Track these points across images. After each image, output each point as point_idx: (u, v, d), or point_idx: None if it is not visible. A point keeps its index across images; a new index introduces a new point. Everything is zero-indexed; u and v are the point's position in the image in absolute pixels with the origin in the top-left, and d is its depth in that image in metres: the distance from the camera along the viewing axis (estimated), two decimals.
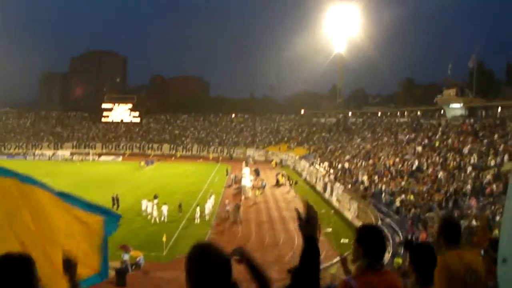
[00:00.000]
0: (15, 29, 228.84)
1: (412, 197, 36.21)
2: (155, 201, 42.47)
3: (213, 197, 45.31)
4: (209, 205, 43.28)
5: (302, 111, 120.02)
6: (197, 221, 40.80)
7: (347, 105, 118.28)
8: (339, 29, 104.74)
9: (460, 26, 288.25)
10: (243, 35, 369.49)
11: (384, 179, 44.84)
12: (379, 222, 33.37)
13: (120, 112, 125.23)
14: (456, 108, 69.38)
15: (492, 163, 37.37)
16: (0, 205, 5.45)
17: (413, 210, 33.46)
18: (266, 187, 59.39)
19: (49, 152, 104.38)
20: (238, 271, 3.41)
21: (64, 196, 6.00)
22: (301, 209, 3.57)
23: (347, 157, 65.49)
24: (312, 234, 3.46)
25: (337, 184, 50.59)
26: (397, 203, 36.52)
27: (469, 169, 38.06)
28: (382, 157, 55.82)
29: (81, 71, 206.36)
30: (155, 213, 40.93)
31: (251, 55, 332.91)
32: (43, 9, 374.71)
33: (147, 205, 42.56)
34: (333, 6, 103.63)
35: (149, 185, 61.11)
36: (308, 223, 3.49)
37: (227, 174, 72.91)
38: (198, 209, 41.62)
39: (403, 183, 41.18)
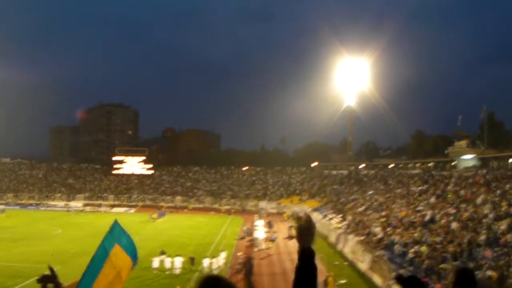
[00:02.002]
0: (27, 83, 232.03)
1: (425, 248, 36.12)
2: (163, 256, 42.24)
3: (223, 253, 44.56)
4: (221, 259, 42.81)
5: (314, 164, 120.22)
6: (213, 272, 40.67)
7: (358, 158, 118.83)
8: (349, 82, 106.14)
9: (468, 78, 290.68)
10: (253, 88, 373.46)
11: (397, 230, 44.76)
12: (393, 274, 33.28)
13: (132, 165, 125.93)
14: (468, 159, 69.54)
15: (506, 213, 37.41)
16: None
17: (426, 261, 33.36)
18: (276, 240, 59.16)
19: (61, 203, 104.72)
20: None
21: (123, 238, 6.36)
22: (299, 219, 3.81)
23: (360, 209, 65.40)
24: (310, 245, 3.64)
25: (350, 236, 50.54)
26: (411, 255, 36.41)
27: (483, 220, 38.07)
28: (395, 209, 55.76)
29: (92, 124, 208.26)
30: (156, 265, 40.84)
31: (262, 108, 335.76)
32: (54, 63, 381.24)
33: (156, 261, 42.15)
34: (343, 60, 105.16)
35: (161, 237, 61.32)
36: (307, 232, 3.72)
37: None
38: (212, 260, 41.47)
39: (416, 234, 41.09)
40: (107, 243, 6.44)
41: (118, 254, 6.55)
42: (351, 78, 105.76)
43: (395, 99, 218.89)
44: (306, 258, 3.59)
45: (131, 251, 6.67)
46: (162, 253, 43.16)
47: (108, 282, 6.28)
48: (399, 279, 4.31)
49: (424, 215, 46.50)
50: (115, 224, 6.62)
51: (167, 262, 40.98)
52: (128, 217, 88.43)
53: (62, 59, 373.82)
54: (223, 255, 43.41)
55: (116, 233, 6.57)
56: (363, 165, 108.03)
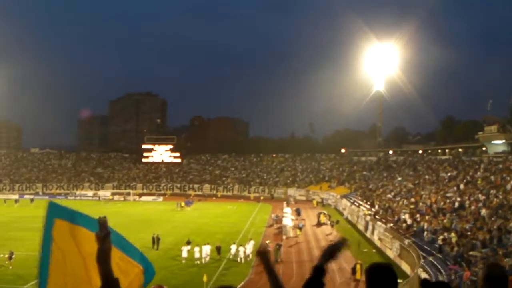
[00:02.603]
0: (55, 73, 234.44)
1: (454, 235, 35.83)
2: (188, 246, 42.08)
3: (252, 242, 44.20)
4: (249, 248, 42.44)
5: (343, 150, 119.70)
6: (242, 261, 40.74)
7: (387, 144, 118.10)
8: (378, 67, 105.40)
9: (498, 62, 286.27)
10: (281, 76, 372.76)
11: (426, 217, 44.47)
12: (421, 261, 33.12)
13: (161, 153, 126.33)
14: (498, 144, 68.73)
15: None
16: (62, 250, 5.55)
17: (455, 248, 33.11)
18: (304, 227, 58.96)
19: (90, 193, 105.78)
20: None
21: (114, 237, 5.70)
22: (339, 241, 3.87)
23: (389, 195, 65.14)
24: (324, 265, 3.74)
25: (379, 223, 50.39)
26: (440, 242, 36.16)
27: None
28: (424, 195, 55.41)
29: (120, 113, 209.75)
30: (185, 255, 40.69)
31: (290, 95, 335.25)
32: (83, 53, 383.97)
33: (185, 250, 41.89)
34: (372, 46, 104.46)
35: (189, 226, 61.71)
36: (332, 252, 3.81)
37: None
38: (241, 249, 41.43)
39: (445, 221, 40.80)
40: (47, 224, 5.74)
41: (62, 229, 5.89)
42: (379, 63, 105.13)
43: (424, 84, 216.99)
44: (318, 275, 3.70)
45: (88, 223, 5.94)
46: (188, 242, 43.15)
47: (66, 264, 5.57)
48: (425, 284, 4.13)
49: (453, 202, 46.18)
50: (50, 205, 5.81)
51: (196, 251, 41.01)
52: (157, 205, 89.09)
53: (91, 50, 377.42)
54: (251, 244, 43.05)
55: (52, 211, 5.82)
56: (392, 151, 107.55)
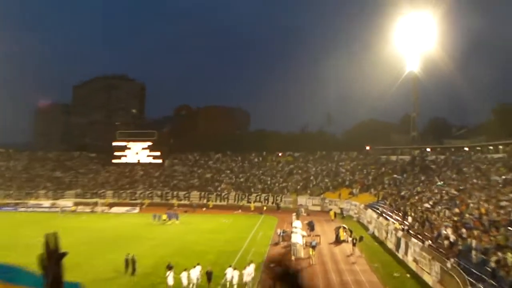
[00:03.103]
0: (6, 52, 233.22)
1: (511, 255, 35.44)
2: (169, 272, 40.99)
3: (252, 266, 43.23)
4: (247, 274, 41.57)
5: (368, 148, 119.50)
6: None
7: (424, 139, 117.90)
8: (411, 43, 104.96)
9: None
10: (291, 55, 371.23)
11: (475, 232, 44.08)
12: None
13: (137, 152, 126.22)
14: None
15: None
16: None
17: None
18: (318, 246, 58.52)
19: (47, 202, 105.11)
20: None
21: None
22: None
23: (426, 204, 64.78)
24: None
25: (414, 240, 49.99)
26: (492, 264, 35.77)
27: None
28: (472, 204, 55.04)
29: (87, 101, 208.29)
30: (170, 282, 39.82)
31: (302, 79, 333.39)
32: (40, 27, 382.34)
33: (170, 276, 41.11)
34: (404, 16, 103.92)
35: (172, 244, 61.37)
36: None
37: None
38: (236, 273, 40.89)
39: (499, 237, 40.43)
40: None
41: None
42: (414, 38, 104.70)
43: (470, 63, 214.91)
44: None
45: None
46: (169, 267, 41.91)
47: None
48: None
49: (509, 212, 45.81)
50: None
51: (183, 276, 40.31)
52: (131, 218, 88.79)
53: (49, 22, 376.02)
54: (251, 268, 41.99)
55: None
56: (430, 148, 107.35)
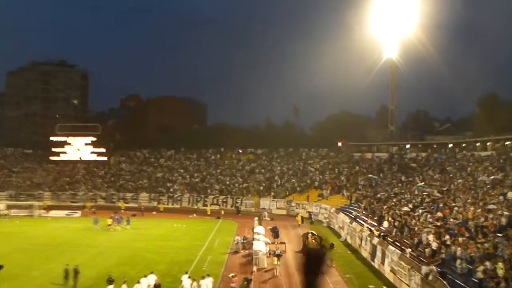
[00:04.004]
0: None
1: (501, 265, 35.53)
2: (110, 287, 40.28)
3: (210, 279, 42.64)
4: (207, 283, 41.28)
5: (340, 144, 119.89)
6: None
7: (403, 135, 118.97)
8: (389, 26, 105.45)
9: None
10: (254, 40, 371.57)
11: (460, 239, 44.21)
12: None
13: (79, 148, 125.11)
14: None
15: None
16: None
17: (502, 284, 32.83)
18: (283, 255, 58.36)
19: None
20: None
21: None
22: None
23: (406, 208, 65.02)
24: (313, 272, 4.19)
25: (391, 248, 50.04)
26: (479, 274, 35.86)
27: None
28: (456, 208, 55.27)
29: (21, 90, 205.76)
30: None
31: (267, 67, 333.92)
32: None
33: None
34: None
35: (118, 253, 60.88)
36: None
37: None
38: (195, 284, 40.65)
39: (487, 244, 40.55)
40: None
41: None
42: (392, 20, 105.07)
43: (455, 50, 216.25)
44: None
45: None
46: (110, 281, 41.20)
47: None
48: None
49: (498, 217, 45.97)
50: None
51: None
52: (72, 223, 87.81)
53: None
54: (208, 282, 41.78)
55: None
56: (410, 145, 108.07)
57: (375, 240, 56.27)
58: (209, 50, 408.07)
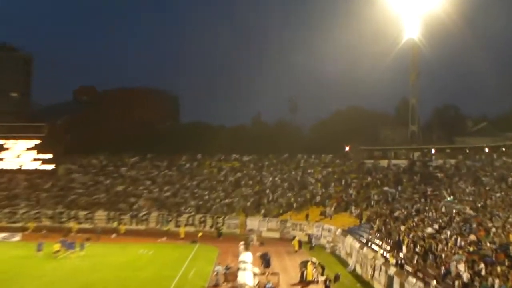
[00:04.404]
0: None
1: None
2: None
3: None
4: None
5: (347, 148, 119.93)
6: None
7: (427, 137, 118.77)
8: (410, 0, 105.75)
9: None
10: (239, 14, 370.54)
11: (498, 268, 44.24)
12: None
13: (18, 154, 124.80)
14: None
15: None
16: None
17: None
18: None
19: None
20: None
21: None
22: None
23: (430, 229, 65.02)
24: None
25: (412, 279, 50.10)
26: None
27: None
28: (494, 229, 55.30)
29: None
30: None
31: (256, 50, 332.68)
32: None
33: None
34: None
35: (70, 285, 60.75)
36: None
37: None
38: None
39: None
40: None
41: None
42: None
43: (492, 29, 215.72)
44: None
45: None
46: None
47: None
48: None
49: None
50: None
51: None
52: (11, 248, 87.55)
53: None
54: None
55: None
56: (435, 149, 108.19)
57: (392, 270, 56.32)
58: (182, 30, 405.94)
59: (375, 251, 66.02)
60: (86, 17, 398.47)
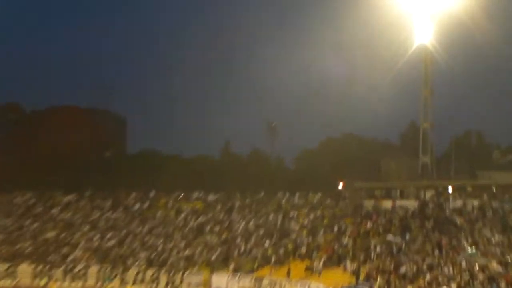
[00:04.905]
0: None
1: None
2: None
3: None
4: None
5: (341, 185, 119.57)
6: None
7: (443, 170, 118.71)
8: None
9: None
10: (206, 17, 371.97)
11: None
12: None
13: None
14: None
15: None
16: None
17: None
18: None
19: None
20: None
21: None
22: None
23: None
24: None
25: None
26: None
27: None
28: None
29: None
30: None
31: (225, 66, 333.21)
32: None
33: None
34: None
35: None
36: None
37: None
38: None
39: None
40: None
41: None
42: None
43: None
44: None
45: None
46: None
47: None
48: None
49: None
50: None
51: None
52: None
53: None
54: None
55: None
56: (453, 186, 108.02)
57: None
58: (129, 38, 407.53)
59: None
60: (11, 23, 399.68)
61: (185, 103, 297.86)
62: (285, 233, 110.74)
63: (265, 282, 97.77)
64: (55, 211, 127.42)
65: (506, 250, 70.96)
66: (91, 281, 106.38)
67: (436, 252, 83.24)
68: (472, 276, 65.46)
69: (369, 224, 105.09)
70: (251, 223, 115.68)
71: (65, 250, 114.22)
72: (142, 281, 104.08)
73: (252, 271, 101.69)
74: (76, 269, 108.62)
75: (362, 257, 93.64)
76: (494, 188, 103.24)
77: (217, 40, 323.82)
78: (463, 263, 71.95)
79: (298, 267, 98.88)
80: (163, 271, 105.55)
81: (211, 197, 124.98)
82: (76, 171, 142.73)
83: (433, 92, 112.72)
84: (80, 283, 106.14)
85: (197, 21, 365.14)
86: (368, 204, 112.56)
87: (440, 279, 69.38)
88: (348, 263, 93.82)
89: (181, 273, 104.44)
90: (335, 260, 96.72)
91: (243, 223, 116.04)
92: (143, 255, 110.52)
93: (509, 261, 65.83)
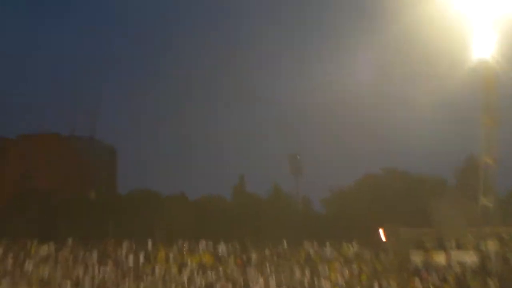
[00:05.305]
0: None
1: None
2: None
3: None
4: None
5: (382, 234, 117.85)
6: None
7: (509, 214, 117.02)
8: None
9: None
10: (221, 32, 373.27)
11: None
12: None
13: None
14: None
15: None
16: None
17: None
18: None
19: None
20: None
21: None
22: None
23: None
24: None
25: None
26: None
27: None
28: None
29: None
30: None
31: (244, 82, 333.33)
32: None
33: None
34: None
35: None
36: None
37: None
38: None
39: None
40: None
41: None
42: None
43: None
44: None
45: None
46: None
47: None
48: None
49: None
50: None
51: None
52: None
53: None
54: None
55: None
56: None
57: None
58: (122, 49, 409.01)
59: None
60: None
61: (189, 131, 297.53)
62: None
63: None
64: (28, 264, 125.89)
65: None
66: None
67: None
68: None
69: (417, 283, 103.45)
70: (272, 281, 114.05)
71: None
72: None
73: None
74: None
75: None
76: None
77: (229, 60, 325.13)
78: None
79: None
80: None
81: (222, 248, 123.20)
82: (54, 214, 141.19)
83: (496, 120, 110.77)
84: None
85: (209, 43, 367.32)
86: (416, 257, 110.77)
87: None
88: None
89: None
90: None
91: (261, 280, 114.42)
92: None
93: None
